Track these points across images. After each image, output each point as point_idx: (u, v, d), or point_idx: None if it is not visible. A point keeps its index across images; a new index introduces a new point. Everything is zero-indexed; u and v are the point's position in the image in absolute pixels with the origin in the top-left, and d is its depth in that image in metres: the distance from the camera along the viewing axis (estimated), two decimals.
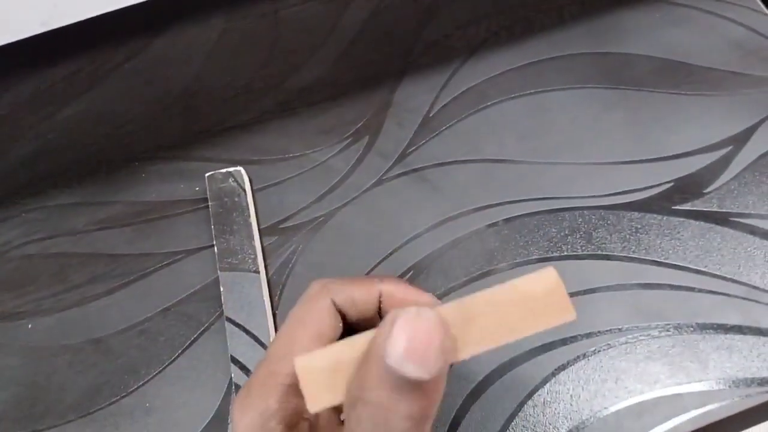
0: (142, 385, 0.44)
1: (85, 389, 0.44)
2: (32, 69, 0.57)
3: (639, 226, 0.47)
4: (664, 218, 0.47)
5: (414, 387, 0.20)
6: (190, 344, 0.45)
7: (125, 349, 0.45)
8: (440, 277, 0.46)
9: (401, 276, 0.46)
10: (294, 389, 0.25)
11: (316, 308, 0.27)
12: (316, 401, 0.23)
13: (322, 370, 0.23)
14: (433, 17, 0.57)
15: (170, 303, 0.46)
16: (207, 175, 0.48)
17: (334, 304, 0.27)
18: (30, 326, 0.46)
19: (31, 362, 0.45)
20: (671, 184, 0.48)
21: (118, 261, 0.48)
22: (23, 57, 0.58)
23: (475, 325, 0.23)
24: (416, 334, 0.20)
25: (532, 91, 0.52)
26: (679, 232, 0.46)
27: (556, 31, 0.55)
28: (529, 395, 0.41)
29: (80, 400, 0.43)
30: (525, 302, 0.24)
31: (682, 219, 0.47)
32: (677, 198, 0.48)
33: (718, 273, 0.44)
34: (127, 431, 0.42)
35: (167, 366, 0.44)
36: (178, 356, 0.44)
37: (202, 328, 0.45)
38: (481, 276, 0.46)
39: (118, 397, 0.43)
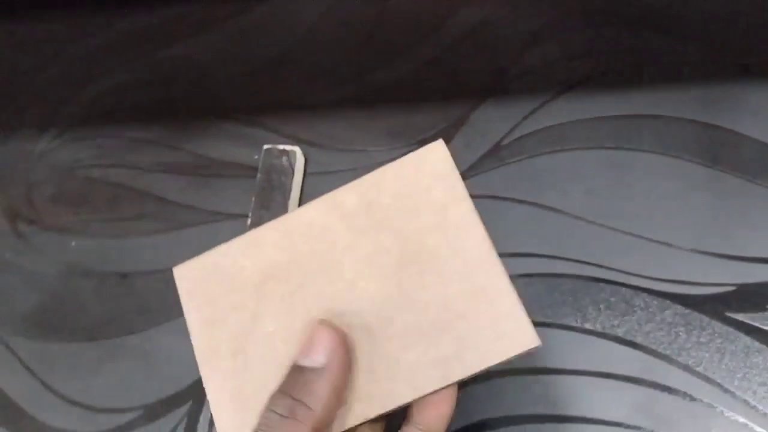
0: (150, 329, 0.46)
1: (100, 316, 0.47)
2: (149, 4, 0.60)
3: (682, 323, 0.43)
4: (713, 323, 0.43)
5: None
6: None
7: (147, 290, 0.47)
8: None
9: None
10: None
11: None
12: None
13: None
14: (539, 42, 0.53)
15: None
16: (265, 147, 0.49)
17: None
18: (73, 243, 0.49)
19: (64, 277, 0.48)
20: (733, 288, 0.43)
21: (167, 206, 0.50)
22: None
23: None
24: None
25: (616, 146, 0.48)
26: (722, 343, 0.42)
27: (667, 87, 0.50)
28: None
29: (93, 325, 0.46)
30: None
31: (731, 329, 0.42)
32: (734, 305, 0.43)
33: (750, 401, 0.40)
34: (123, 367, 0.44)
35: (177, 319, 0.46)
36: None
37: None
38: None
39: (126, 333, 0.46)
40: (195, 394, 0.43)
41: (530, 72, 0.53)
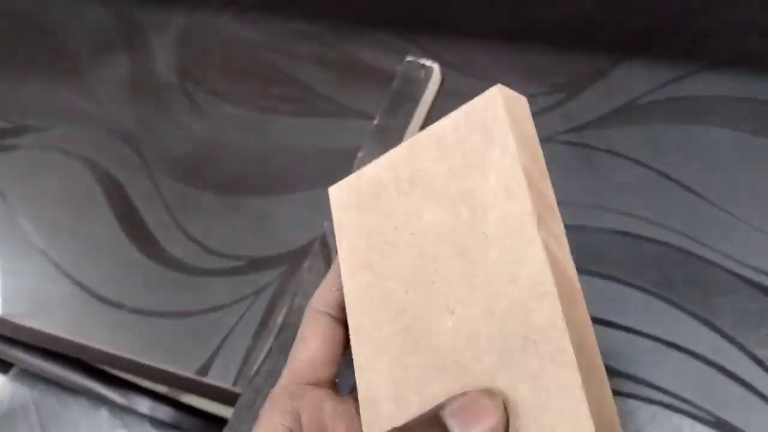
0: (270, 195, 0.52)
1: (233, 174, 0.53)
2: None
3: (757, 309, 0.41)
4: None
5: None
6: (312, 189, 0.51)
7: (274, 162, 0.53)
8: None
9: None
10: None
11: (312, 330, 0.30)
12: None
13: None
14: (705, 13, 0.51)
15: (325, 147, 0.52)
16: (407, 58, 0.52)
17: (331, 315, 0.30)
18: (227, 108, 0.56)
19: (211, 132, 0.55)
20: None
21: (310, 94, 0.55)
22: None
23: None
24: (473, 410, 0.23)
25: (753, 131, 0.46)
26: None
27: None
28: None
29: (226, 180, 0.53)
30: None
31: None
32: None
33: None
34: (240, 221, 0.51)
35: (295, 194, 0.51)
36: (304, 191, 0.51)
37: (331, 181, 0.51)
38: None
39: (250, 194, 0.52)
40: (291, 261, 0.48)
41: (685, 39, 0.51)
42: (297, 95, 0.55)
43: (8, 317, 0.51)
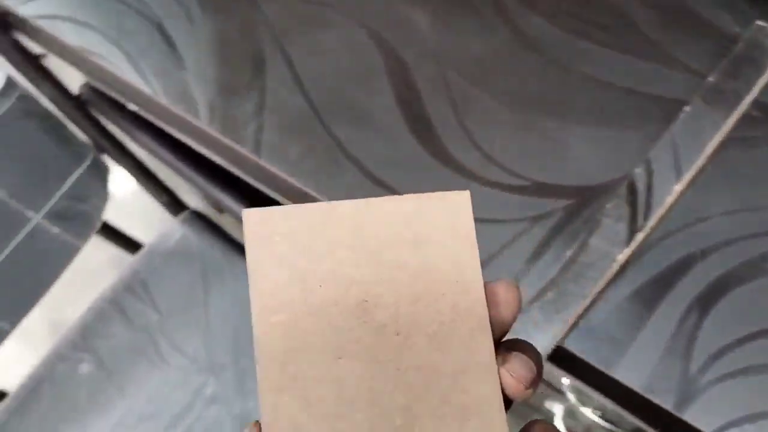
0: (570, 124, 0.49)
1: (532, 90, 0.50)
2: None
3: None
4: None
5: None
6: (617, 129, 0.48)
7: (578, 90, 0.50)
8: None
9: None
10: None
11: None
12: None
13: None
14: None
15: (638, 90, 0.49)
16: (757, 22, 0.47)
17: None
18: (535, 20, 0.52)
19: (513, 41, 0.52)
20: None
21: (631, 30, 0.51)
22: None
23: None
24: None
25: None
26: None
27: None
28: None
29: (522, 95, 0.50)
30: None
31: None
32: None
33: None
34: (534, 142, 0.48)
35: (594, 127, 0.48)
36: (607, 127, 0.48)
37: (642, 124, 0.48)
38: None
39: (547, 118, 0.49)
40: (581, 196, 0.46)
41: None
42: (616, 27, 0.52)
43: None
